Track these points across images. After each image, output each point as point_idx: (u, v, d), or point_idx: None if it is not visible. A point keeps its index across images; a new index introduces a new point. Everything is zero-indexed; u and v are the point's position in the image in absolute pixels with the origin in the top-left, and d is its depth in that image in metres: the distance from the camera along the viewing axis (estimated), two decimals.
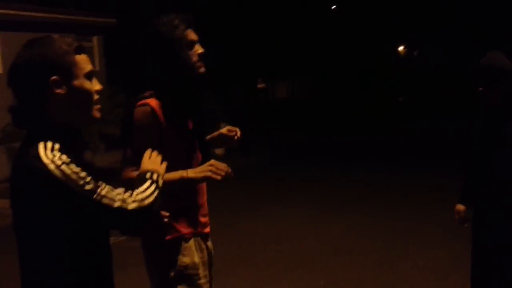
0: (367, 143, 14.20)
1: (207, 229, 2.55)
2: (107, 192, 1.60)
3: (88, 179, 1.56)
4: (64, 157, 1.56)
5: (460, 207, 3.38)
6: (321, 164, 11.25)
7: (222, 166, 2.25)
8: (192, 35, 2.41)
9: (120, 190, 1.65)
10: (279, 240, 6.06)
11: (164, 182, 1.86)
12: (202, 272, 2.44)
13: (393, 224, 6.57)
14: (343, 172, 10.13)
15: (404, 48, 33.15)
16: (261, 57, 21.92)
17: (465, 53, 23.03)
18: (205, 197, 2.54)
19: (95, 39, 13.22)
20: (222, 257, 5.45)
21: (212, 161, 2.26)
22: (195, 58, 2.38)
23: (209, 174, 2.22)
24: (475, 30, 21.24)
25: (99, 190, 1.58)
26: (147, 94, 2.36)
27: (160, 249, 2.41)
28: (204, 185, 2.50)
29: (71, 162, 1.56)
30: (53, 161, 1.53)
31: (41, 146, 1.56)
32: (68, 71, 1.62)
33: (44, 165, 1.52)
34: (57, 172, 1.52)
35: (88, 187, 1.55)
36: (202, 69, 2.41)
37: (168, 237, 2.38)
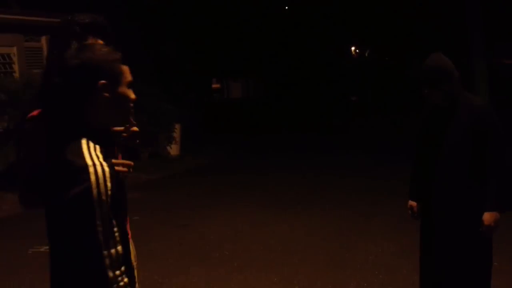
0: (320, 140, 14.43)
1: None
2: None
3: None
4: (102, 159, 1.68)
5: (412, 203, 3.52)
6: (275, 162, 11.36)
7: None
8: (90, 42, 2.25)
9: None
10: (233, 239, 6.10)
11: None
12: None
13: (344, 220, 6.72)
14: (296, 170, 10.28)
15: (355, 48, 33.76)
16: (215, 57, 21.89)
17: (409, 52, 23.77)
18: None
19: (43, 39, 12.92)
20: (176, 257, 5.52)
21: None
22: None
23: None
24: (417, 30, 21.90)
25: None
26: (35, 113, 2.19)
27: None
28: None
29: (110, 167, 1.68)
30: (94, 163, 1.65)
31: (84, 144, 1.69)
32: (115, 78, 1.78)
33: (85, 164, 1.64)
34: (93, 177, 1.63)
35: (106, 207, 1.65)
36: None
37: None
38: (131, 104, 1.85)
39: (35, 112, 2.16)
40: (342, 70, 29.00)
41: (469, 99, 3.25)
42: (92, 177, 1.62)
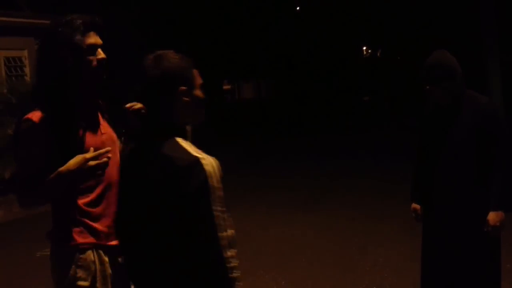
0: (333, 141, 14.35)
1: (113, 242, 2.30)
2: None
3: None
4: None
5: (416, 205, 3.43)
6: (286, 163, 11.32)
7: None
8: (93, 39, 2.26)
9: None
10: (241, 241, 6.00)
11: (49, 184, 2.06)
12: (100, 286, 2.25)
13: (353, 221, 6.64)
14: (307, 171, 10.23)
15: (367, 48, 33.59)
16: (227, 58, 21.90)
17: (421, 52, 23.48)
18: (112, 207, 2.32)
19: None
20: None
21: (85, 155, 2.13)
22: (94, 63, 2.24)
23: (86, 166, 2.09)
24: (430, 29, 21.67)
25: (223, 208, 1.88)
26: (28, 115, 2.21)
27: (56, 259, 2.25)
28: (111, 194, 2.30)
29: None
30: (203, 156, 1.85)
31: (181, 142, 1.90)
32: (192, 83, 1.96)
33: (196, 157, 1.83)
34: (207, 167, 1.83)
35: (221, 193, 1.87)
36: (101, 76, 2.27)
37: (63, 246, 2.22)
38: (204, 104, 2.04)
39: (33, 114, 2.16)
40: (354, 70, 28.88)
41: (474, 98, 3.16)
42: (208, 168, 1.82)
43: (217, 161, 1.88)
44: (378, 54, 33.29)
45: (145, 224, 1.96)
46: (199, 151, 1.88)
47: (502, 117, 3.13)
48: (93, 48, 2.24)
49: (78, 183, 2.17)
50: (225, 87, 29.21)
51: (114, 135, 2.34)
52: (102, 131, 2.30)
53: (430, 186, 3.25)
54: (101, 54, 2.25)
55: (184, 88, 1.94)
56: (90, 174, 2.11)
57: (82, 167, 2.07)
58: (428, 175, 3.26)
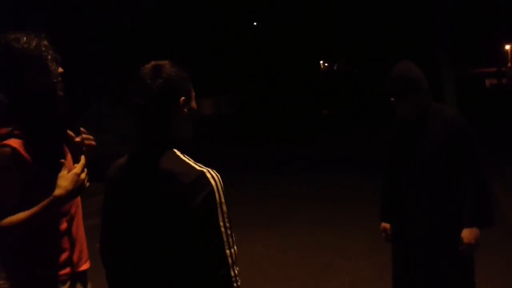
0: (291, 154, 14.25)
1: (83, 267, 2.29)
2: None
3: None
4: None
5: (385, 225, 3.29)
6: (246, 178, 11.11)
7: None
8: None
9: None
10: None
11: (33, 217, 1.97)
12: None
13: (318, 238, 6.49)
14: (268, 185, 10.05)
15: (324, 62, 33.95)
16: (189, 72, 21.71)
17: (379, 63, 23.90)
18: (81, 230, 2.31)
19: None
20: None
21: (74, 171, 2.10)
22: (55, 78, 2.17)
23: (80, 182, 2.08)
24: (386, 42, 22.02)
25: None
26: (2, 131, 2.08)
27: None
28: (79, 216, 2.29)
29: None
30: (207, 169, 1.77)
31: (181, 155, 1.81)
32: (189, 94, 1.90)
33: (200, 171, 1.75)
34: (212, 181, 1.75)
35: (226, 208, 1.79)
36: (61, 91, 2.21)
37: (39, 280, 2.13)
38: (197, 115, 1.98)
39: (10, 141, 2.04)
40: (311, 83, 29.05)
41: (441, 111, 3.04)
42: (212, 182, 1.74)
43: (219, 175, 1.81)
44: (335, 68, 33.68)
45: (146, 245, 1.80)
46: (201, 165, 1.81)
47: (471, 129, 3.01)
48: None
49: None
50: None
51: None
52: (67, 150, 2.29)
53: (399, 204, 3.11)
54: (59, 68, 2.21)
55: (184, 98, 1.88)
56: (82, 189, 2.08)
57: (77, 183, 2.04)
58: (396, 192, 3.12)
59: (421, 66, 3.05)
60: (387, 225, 3.27)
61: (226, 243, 1.76)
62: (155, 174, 1.78)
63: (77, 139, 2.34)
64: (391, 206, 3.19)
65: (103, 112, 12.13)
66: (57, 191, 2.02)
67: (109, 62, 15.85)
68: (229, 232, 1.78)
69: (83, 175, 2.09)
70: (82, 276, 2.29)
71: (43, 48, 2.14)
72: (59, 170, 2.08)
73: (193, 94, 1.95)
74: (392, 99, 2.98)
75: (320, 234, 6.61)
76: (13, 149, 2.01)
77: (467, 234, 2.93)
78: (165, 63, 1.89)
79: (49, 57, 2.16)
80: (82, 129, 2.38)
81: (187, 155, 1.86)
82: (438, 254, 3.02)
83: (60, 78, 2.19)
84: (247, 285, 5.04)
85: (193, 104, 1.94)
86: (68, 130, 2.32)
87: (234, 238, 1.80)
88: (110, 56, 16.04)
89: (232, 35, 23.09)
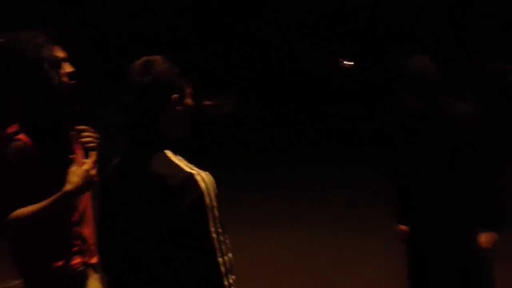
0: (314, 155, 14.09)
1: (96, 259, 2.31)
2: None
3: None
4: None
5: (402, 227, 3.15)
6: (265, 179, 10.98)
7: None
8: (60, 53, 2.22)
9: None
10: None
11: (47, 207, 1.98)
12: None
13: (334, 241, 6.34)
14: (287, 186, 9.90)
15: (343, 60, 33.61)
16: (206, 73, 21.65)
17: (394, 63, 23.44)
18: (90, 225, 2.32)
19: None
20: None
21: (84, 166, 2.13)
22: (64, 78, 2.19)
23: (90, 177, 2.10)
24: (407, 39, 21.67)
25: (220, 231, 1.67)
26: (11, 129, 2.12)
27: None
28: (89, 211, 2.32)
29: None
30: (197, 172, 1.66)
31: (172, 156, 1.71)
32: (183, 90, 1.81)
33: (189, 173, 1.64)
34: (202, 184, 1.64)
35: (217, 213, 1.66)
36: (70, 90, 2.23)
37: (53, 274, 2.18)
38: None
39: (21, 136, 2.09)
40: (327, 82, 28.77)
41: (453, 106, 2.89)
42: (202, 185, 1.64)
43: (211, 177, 1.71)
44: (351, 66, 33.30)
45: (135, 250, 1.73)
46: (192, 166, 1.72)
47: (484, 126, 2.85)
48: (61, 62, 2.20)
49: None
50: (208, 102, 28.93)
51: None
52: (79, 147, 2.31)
53: (410, 205, 2.97)
54: (69, 67, 2.21)
55: (177, 96, 1.78)
56: (91, 185, 2.11)
57: (87, 179, 2.05)
58: (408, 192, 2.97)
59: (446, 62, 2.90)
60: (403, 227, 3.12)
61: (218, 250, 1.64)
62: (143, 176, 1.69)
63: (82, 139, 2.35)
64: (405, 207, 3.05)
65: (119, 111, 12.14)
66: (67, 186, 2.04)
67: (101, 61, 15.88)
68: (221, 238, 1.66)
69: (93, 171, 2.08)
70: (94, 268, 2.32)
71: (39, 49, 2.13)
72: (64, 169, 2.11)
73: (189, 90, 1.85)
74: (400, 93, 2.86)
75: (333, 237, 6.46)
76: (24, 143, 2.08)
77: (484, 238, 2.77)
78: (156, 58, 1.80)
79: (48, 58, 2.14)
80: (79, 127, 2.35)
81: (180, 155, 1.76)
82: (454, 257, 2.87)
83: (66, 79, 2.18)
84: (265, 283, 4.93)
85: (188, 101, 1.84)
86: (79, 127, 2.34)
87: (228, 245, 1.69)
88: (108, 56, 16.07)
89: (249, 32, 23.00)
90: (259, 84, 25.74)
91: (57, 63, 2.17)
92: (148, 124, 1.75)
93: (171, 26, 18.82)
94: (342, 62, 32.39)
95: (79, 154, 2.31)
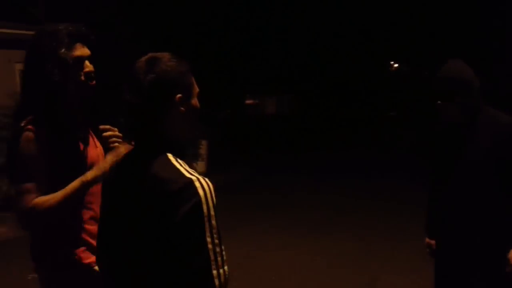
0: (354, 158, 13.87)
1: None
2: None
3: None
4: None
5: (430, 241, 2.99)
6: (303, 181, 10.88)
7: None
8: (80, 51, 2.15)
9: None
10: (245, 267, 5.64)
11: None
12: None
13: (367, 247, 6.18)
14: (323, 190, 9.78)
15: (394, 62, 32.99)
16: (250, 72, 21.66)
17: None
18: None
19: None
20: None
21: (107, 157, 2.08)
22: (81, 77, 2.15)
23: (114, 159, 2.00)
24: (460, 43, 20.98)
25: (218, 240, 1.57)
26: (23, 122, 2.11)
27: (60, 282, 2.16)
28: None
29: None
30: (197, 178, 1.55)
31: (173, 160, 1.60)
32: (189, 90, 1.69)
33: (189, 179, 1.54)
34: (200, 191, 1.53)
35: (214, 222, 1.55)
36: (90, 90, 2.18)
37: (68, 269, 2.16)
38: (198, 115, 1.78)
39: (31, 128, 2.08)
40: (379, 84, 28.31)
41: (493, 116, 2.70)
42: (201, 192, 1.53)
43: (212, 184, 1.59)
44: (405, 68, 32.63)
45: (129, 255, 1.66)
46: (193, 171, 1.60)
47: None
48: (80, 61, 2.15)
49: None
50: (250, 101, 28.98)
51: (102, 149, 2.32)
52: (96, 145, 2.29)
53: (443, 218, 2.81)
54: (88, 66, 2.16)
55: (181, 96, 1.66)
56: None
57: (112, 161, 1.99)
58: (441, 205, 2.81)
59: (492, 67, 2.71)
60: (432, 241, 2.97)
61: (213, 262, 1.53)
62: (142, 179, 1.60)
63: (104, 134, 2.34)
64: (436, 219, 2.89)
65: None
66: (89, 174, 2.04)
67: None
68: (217, 249, 1.55)
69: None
70: None
71: (55, 45, 2.10)
72: (69, 165, 2.10)
73: (196, 90, 1.73)
74: (438, 101, 2.69)
75: (370, 244, 6.30)
76: (35, 133, 2.07)
77: None
78: (163, 55, 1.68)
79: (59, 56, 2.11)
80: (102, 126, 2.35)
81: (183, 159, 1.65)
82: (484, 274, 2.70)
83: (82, 78, 2.15)
84: None
85: (194, 102, 1.72)
86: (102, 127, 2.32)
87: (224, 257, 1.57)
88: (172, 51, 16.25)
89: (298, 33, 22.84)
90: (305, 84, 25.52)
91: (68, 61, 2.12)
92: (150, 125, 1.66)
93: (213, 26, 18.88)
94: (392, 64, 31.81)
95: (99, 149, 2.29)
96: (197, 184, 1.54)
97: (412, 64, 30.23)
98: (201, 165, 12.58)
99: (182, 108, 1.67)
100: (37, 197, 2.02)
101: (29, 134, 2.07)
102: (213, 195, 1.57)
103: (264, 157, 14.54)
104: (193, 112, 1.71)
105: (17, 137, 2.09)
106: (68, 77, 2.11)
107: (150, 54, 1.70)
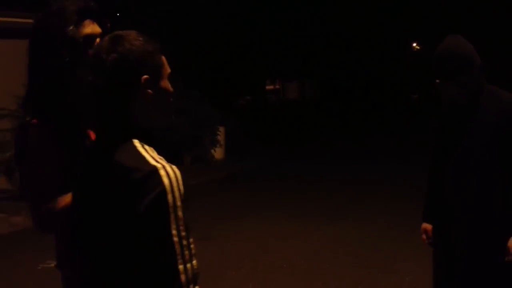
0: (374, 144, 13.65)
1: None
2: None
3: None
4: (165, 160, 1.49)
5: (426, 225, 2.84)
6: (321, 167, 10.76)
7: None
8: (90, 28, 1.95)
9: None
10: (256, 255, 5.56)
11: None
12: None
13: (384, 232, 6.06)
14: (342, 175, 9.64)
15: (417, 44, 32.35)
16: (268, 58, 21.49)
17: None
18: None
19: None
20: None
21: None
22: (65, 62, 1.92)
23: None
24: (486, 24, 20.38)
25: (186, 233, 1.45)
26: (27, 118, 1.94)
27: None
28: None
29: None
30: (163, 165, 1.44)
31: (139, 146, 1.49)
32: (158, 71, 1.56)
33: (153, 167, 1.44)
34: (165, 179, 1.42)
35: (181, 214, 1.44)
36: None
37: None
38: (171, 99, 1.64)
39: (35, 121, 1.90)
40: (402, 67, 27.82)
41: (496, 94, 2.52)
42: (165, 180, 1.42)
43: (179, 172, 1.47)
44: (428, 50, 31.95)
45: (95, 250, 1.57)
46: (160, 159, 1.48)
47: None
48: (91, 39, 1.93)
49: None
50: (269, 87, 28.83)
51: None
52: None
53: (445, 204, 2.66)
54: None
55: (147, 77, 1.52)
56: None
57: None
58: (442, 189, 2.66)
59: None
60: (428, 226, 2.82)
61: (179, 256, 1.42)
62: (105, 168, 1.50)
63: None
64: (435, 204, 2.75)
65: (178, 94, 12.15)
66: None
67: (187, 46, 15.98)
68: (184, 242, 1.43)
69: None
70: None
71: (63, 23, 1.90)
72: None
73: (166, 71, 1.60)
74: (437, 80, 2.52)
75: (383, 230, 6.17)
76: (43, 128, 1.90)
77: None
78: (128, 33, 1.55)
79: (67, 34, 1.90)
80: None
81: (151, 146, 1.53)
82: (485, 263, 2.55)
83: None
84: (297, 283, 4.76)
85: (164, 84, 1.58)
86: None
87: (192, 251, 1.45)
88: (190, 40, 16.16)
89: (318, 17, 22.53)
90: (326, 69, 25.22)
91: (77, 40, 1.92)
92: (115, 109, 1.53)
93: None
94: (413, 46, 31.21)
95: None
96: (162, 172, 1.43)
97: (433, 45, 29.58)
98: (219, 151, 12.53)
99: (149, 91, 1.54)
100: (51, 198, 1.86)
101: (35, 129, 1.89)
102: (180, 183, 1.45)
103: (283, 143, 14.40)
104: (163, 95, 1.58)
105: (23, 134, 1.92)
106: (78, 57, 1.91)
107: (115, 32, 1.57)
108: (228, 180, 10.28)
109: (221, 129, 12.50)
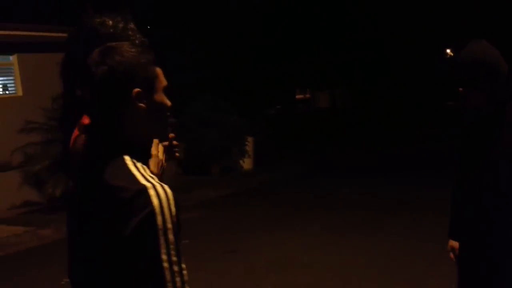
0: (407, 155, 13.32)
1: None
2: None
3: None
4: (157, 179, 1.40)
5: (453, 243, 2.67)
6: (351, 179, 10.50)
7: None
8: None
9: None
10: (281, 268, 5.41)
11: None
12: None
13: (413, 249, 5.80)
14: (371, 188, 9.36)
15: (451, 51, 31.73)
16: (300, 66, 21.37)
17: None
18: None
19: None
20: None
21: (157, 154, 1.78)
22: None
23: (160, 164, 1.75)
24: None
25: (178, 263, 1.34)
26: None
27: None
28: None
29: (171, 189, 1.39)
30: (153, 185, 1.35)
31: (130, 163, 1.41)
32: (151, 84, 1.49)
33: (142, 186, 1.35)
34: (155, 200, 1.32)
35: (172, 237, 1.33)
36: None
37: None
38: (168, 113, 1.56)
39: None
40: (435, 74, 27.25)
41: None
42: (155, 201, 1.32)
43: (171, 192, 1.37)
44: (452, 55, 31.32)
45: (88, 274, 1.47)
46: (152, 177, 1.39)
47: None
48: None
49: None
50: (299, 96, 28.67)
51: None
52: None
53: (466, 218, 2.49)
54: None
55: (139, 90, 1.45)
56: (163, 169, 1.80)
57: (159, 165, 1.71)
58: (466, 204, 2.49)
59: None
60: (456, 244, 2.64)
61: (170, 284, 1.31)
62: (93, 186, 1.42)
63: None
64: (461, 220, 2.58)
65: (207, 106, 12.14)
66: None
67: (218, 54, 15.99)
68: (175, 268, 1.32)
69: (160, 155, 1.73)
70: None
71: (130, 32, 1.86)
72: None
73: (161, 84, 1.51)
74: (460, 88, 2.36)
75: (417, 245, 5.92)
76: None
77: None
78: (120, 44, 1.49)
79: (137, 41, 1.83)
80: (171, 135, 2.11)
81: (145, 163, 1.45)
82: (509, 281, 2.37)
83: None
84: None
85: (158, 97, 1.50)
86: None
87: (185, 277, 1.34)
88: (221, 48, 16.17)
89: (350, 26, 22.33)
90: (358, 78, 24.94)
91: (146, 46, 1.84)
92: (105, 124, 1.47)
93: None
94: (447, 52, 30.65)
95: None
96: (151, 191, 1.33)
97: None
98: (247, 162, 12.44)
99: (141, 105, 1.46)
100: None
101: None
102: (172, 204, 1.34)
103: (313, 154, 14.20)
104: (157, 109, 1.50)
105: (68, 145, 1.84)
106: None
107: (107, 44, 1.50)
108: (256, 190, 10.17)
109: (250, 139, 12.42)
